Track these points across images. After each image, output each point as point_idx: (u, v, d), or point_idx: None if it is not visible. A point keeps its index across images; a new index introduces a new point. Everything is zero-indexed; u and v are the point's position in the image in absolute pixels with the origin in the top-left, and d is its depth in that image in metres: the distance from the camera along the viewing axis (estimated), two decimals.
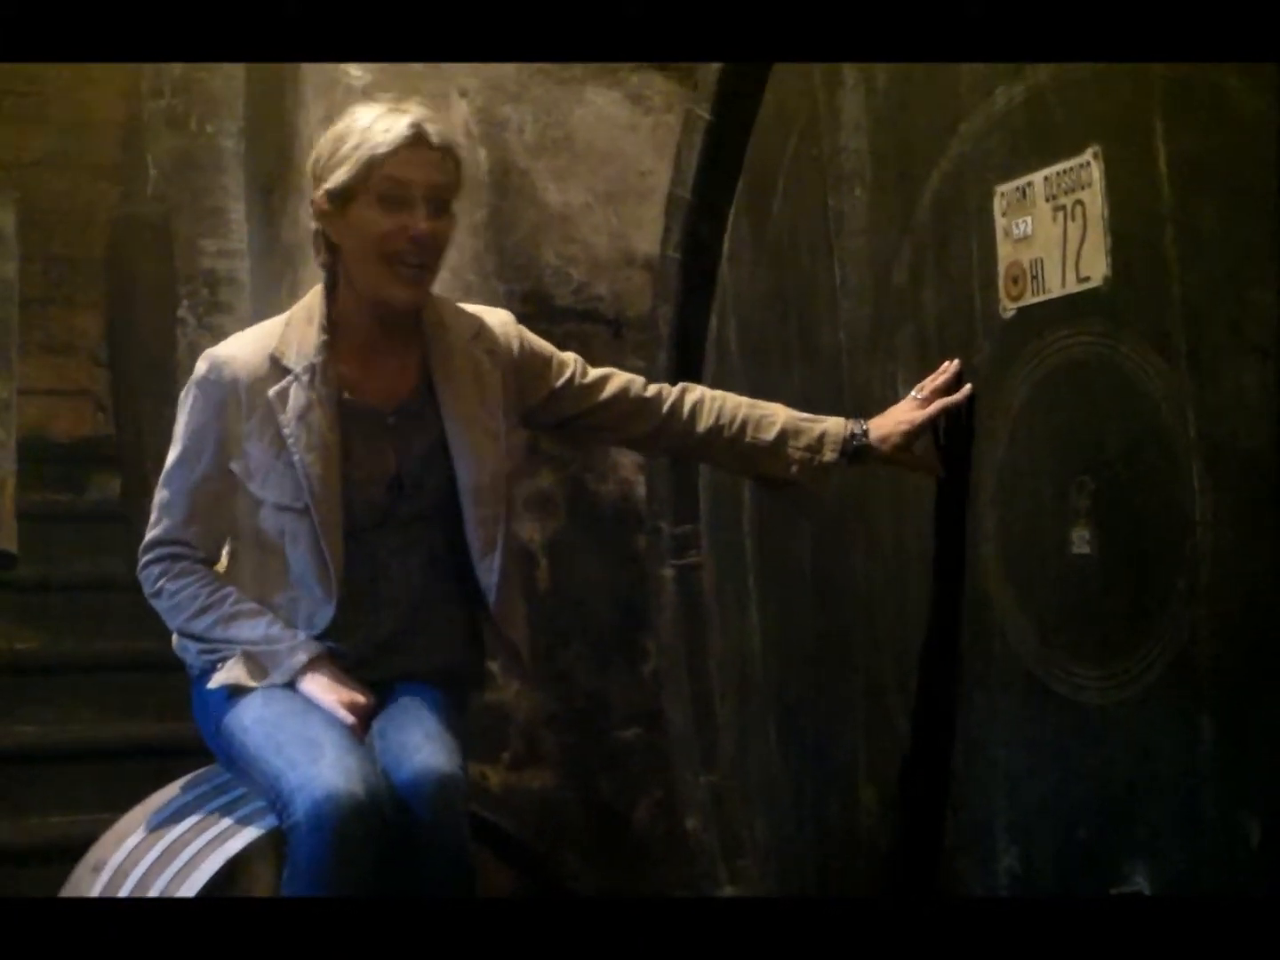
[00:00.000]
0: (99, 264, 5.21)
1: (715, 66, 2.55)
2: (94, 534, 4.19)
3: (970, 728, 2.13)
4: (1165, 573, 1.81)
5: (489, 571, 2.35)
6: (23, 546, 4.17)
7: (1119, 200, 1.87)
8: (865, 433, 2.30)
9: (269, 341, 2.33)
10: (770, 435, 2.36)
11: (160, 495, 2.37)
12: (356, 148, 2.25)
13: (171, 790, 2.51)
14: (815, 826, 2.48)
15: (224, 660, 2.32)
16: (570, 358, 2.43)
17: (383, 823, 2.13)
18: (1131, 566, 1.87)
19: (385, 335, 2.34)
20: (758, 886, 2.60)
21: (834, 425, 2.34)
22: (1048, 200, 1.98)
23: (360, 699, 2.28)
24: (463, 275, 3.43)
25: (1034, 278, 2.00)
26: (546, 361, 2.42)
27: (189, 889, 2.22)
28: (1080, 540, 1.93)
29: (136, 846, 2.40)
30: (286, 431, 2.27)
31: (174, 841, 2.34)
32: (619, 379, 2.42)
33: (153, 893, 2.27)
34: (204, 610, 2.32)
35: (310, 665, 2.30)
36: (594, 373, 2.43)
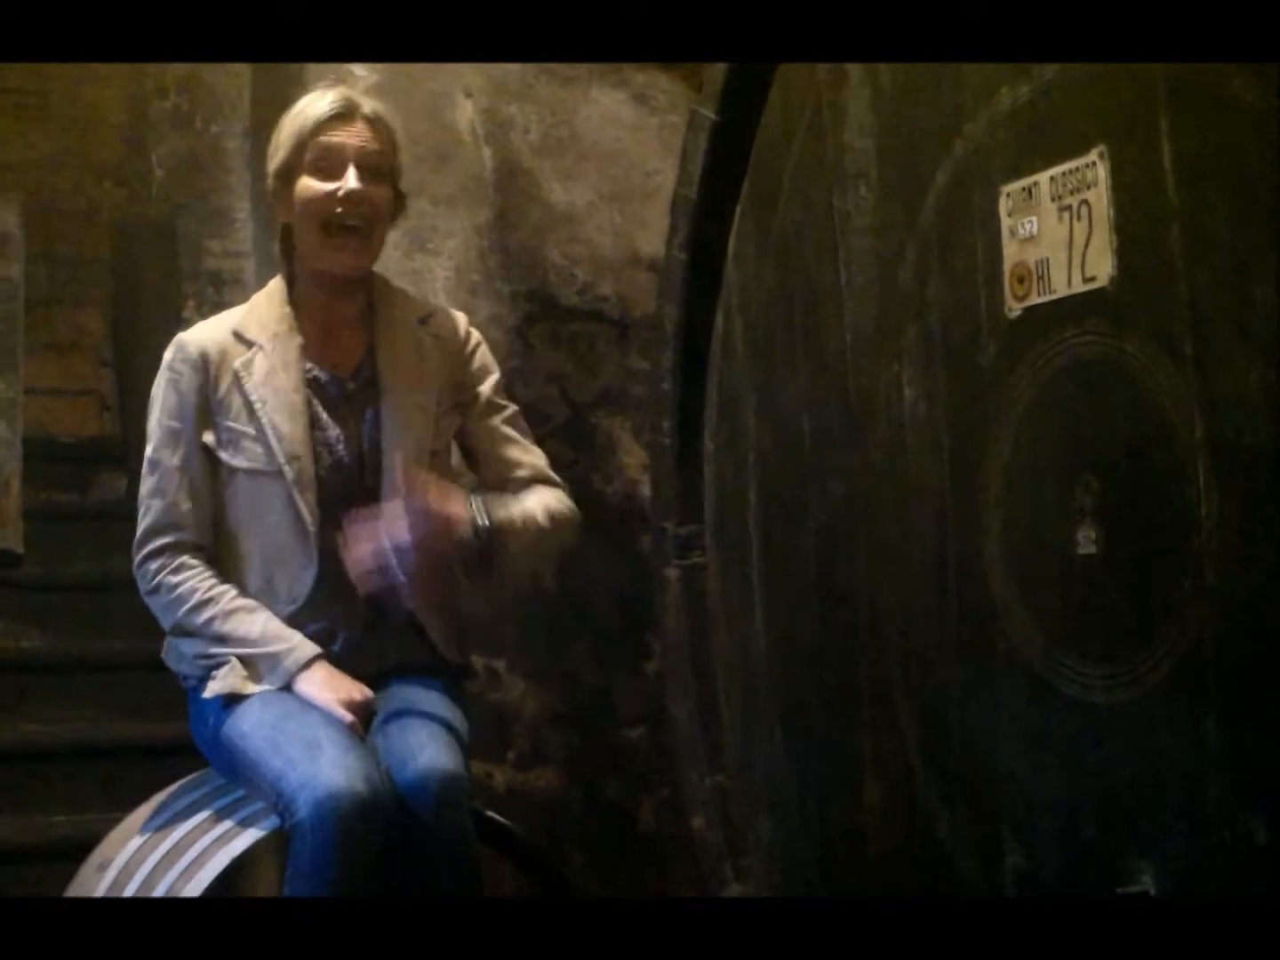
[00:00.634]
0: (104, 264, 5.21)
1: (721, 67, 2.55)
2: (99, 533, 4.19)
3: (975, 727, 2.13)
4: (1171, 572, 1.81)
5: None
6: (28, 545, 4.18)
7: (1125, 200, 1.87)
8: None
9: (232, 320, 2.46)
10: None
11: (146, 485, 2.41)
12: (291, 126, 2.39)
13: (175, 790, 2.52)
14: (820, 826, 2.48)
15: (218, 668, 2.32)
16: (503, 396, 2.54)
17: (386, 820, 2.13)
18: (1137, 566, 1.87)
19: (340, 310, 2.45)
20: (763, 886, 2.59)
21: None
22: (1053, 200, 1.98)
23: (357, 696, 2.29)
24: (467, 275, 3.44)
25: (1040, 278, 2.00)
26: (486, 369, 2.53)
27: (194, 888, 2.22)
28: (1086, 540, 1.93)
29: (141, 846, 2.41)
30: (254, 397, 2.37)
31: (179, 841, 2.34)
32: (514, 452, 2.50)
33: (158, 892, 2.27)
34: (203, 604, 2.34)
35: (305, 667, 2.31)
36: (501, 421, 2.51)
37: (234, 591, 2.36)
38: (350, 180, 2.35)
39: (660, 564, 2.80)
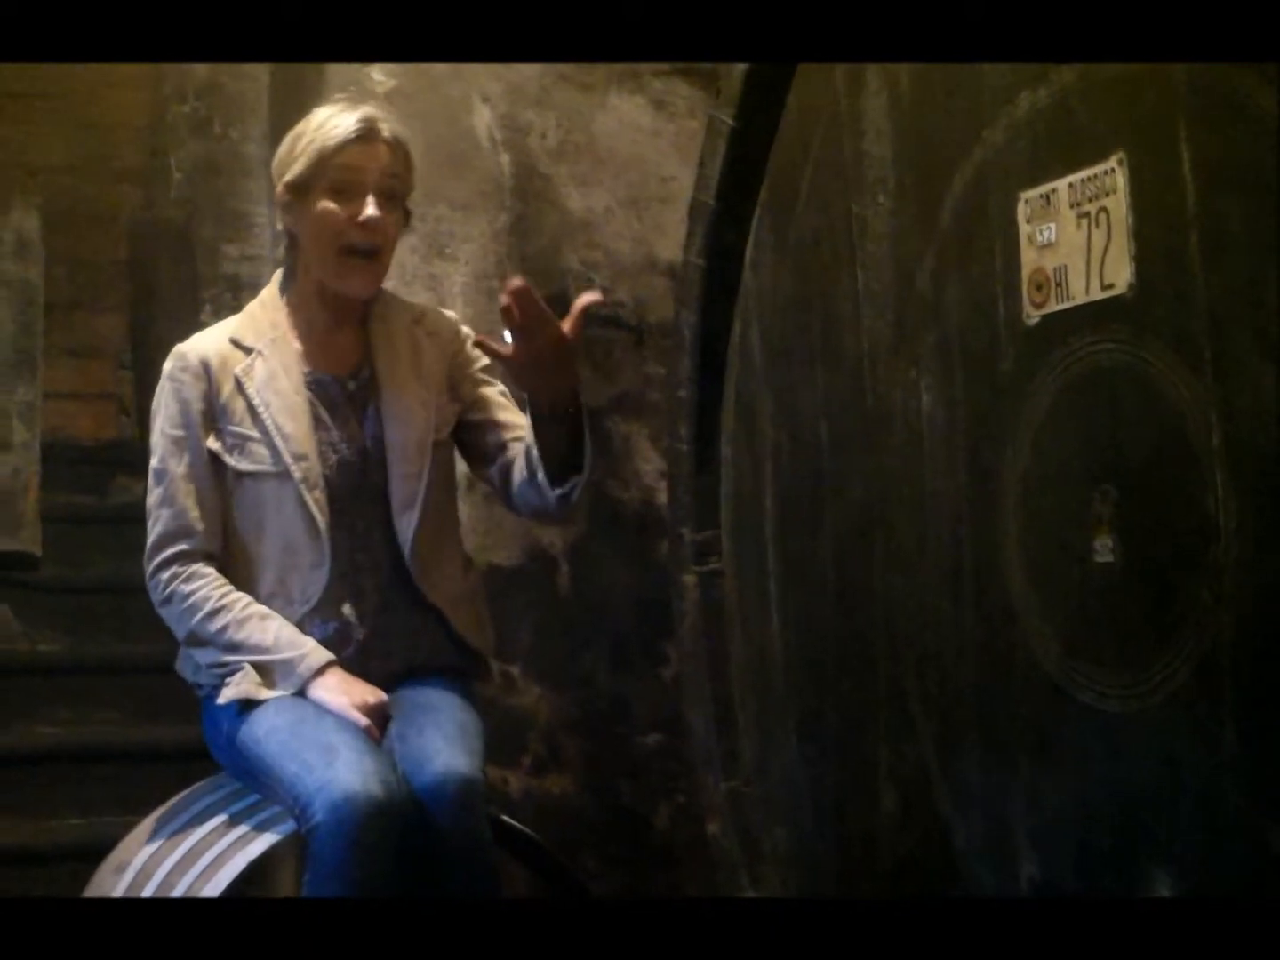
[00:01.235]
0: (123, 268, 5.23)
1: (739, 72, 2.55)
2: (116, 536, 4.19)
3: (991, 734, 2.12)
4: (1189, 581, 1.80)
5: (406, 526, 2.42)
6: (46, 548, 4.19)
7: (1143, 207, 1.87)
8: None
9: (229, 328, 2.49)
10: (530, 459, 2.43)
11: (154, 495, 2.42)
12: (311, 142, 2.40)
13: (191, 793, 2.52)
14: (836, 833, 2.47)
15: (232, 675, 2.33)
16: (493, 376, 2.58)
17: (402, 823, 2.14)
18: (1155, 574, 1.86)
19: (336, 317, 2.48)
20: (779, 892, 2.59)
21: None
22: (1072, 207, 1.97)
23: (371, 699, 2.30)
24: (485, 280, 3.44)
25: (1058, 284, 2.00)
26: (477, 355, 2.56)
27: (212, 891, 2.23)
28: (1103, 548, 1.92)
29: (158, 849, 2.41)
30: (257, 401, 2.40)
31: (196, 844, 2.35)
32: (513, 416, 2.53)
33: (176, 894, 2.28)
34: (216, 612, 2.35)
35: (319, 673, 2.31)
36: (496, 391, 2.56)
37: (246, 599, 2.37)
38: (370, 208, 2.37)
39: (677, 570, 2.79)
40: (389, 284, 2.57)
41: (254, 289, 4.05)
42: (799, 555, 2.55)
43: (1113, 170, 1.90)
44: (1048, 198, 2.01)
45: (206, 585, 2.37)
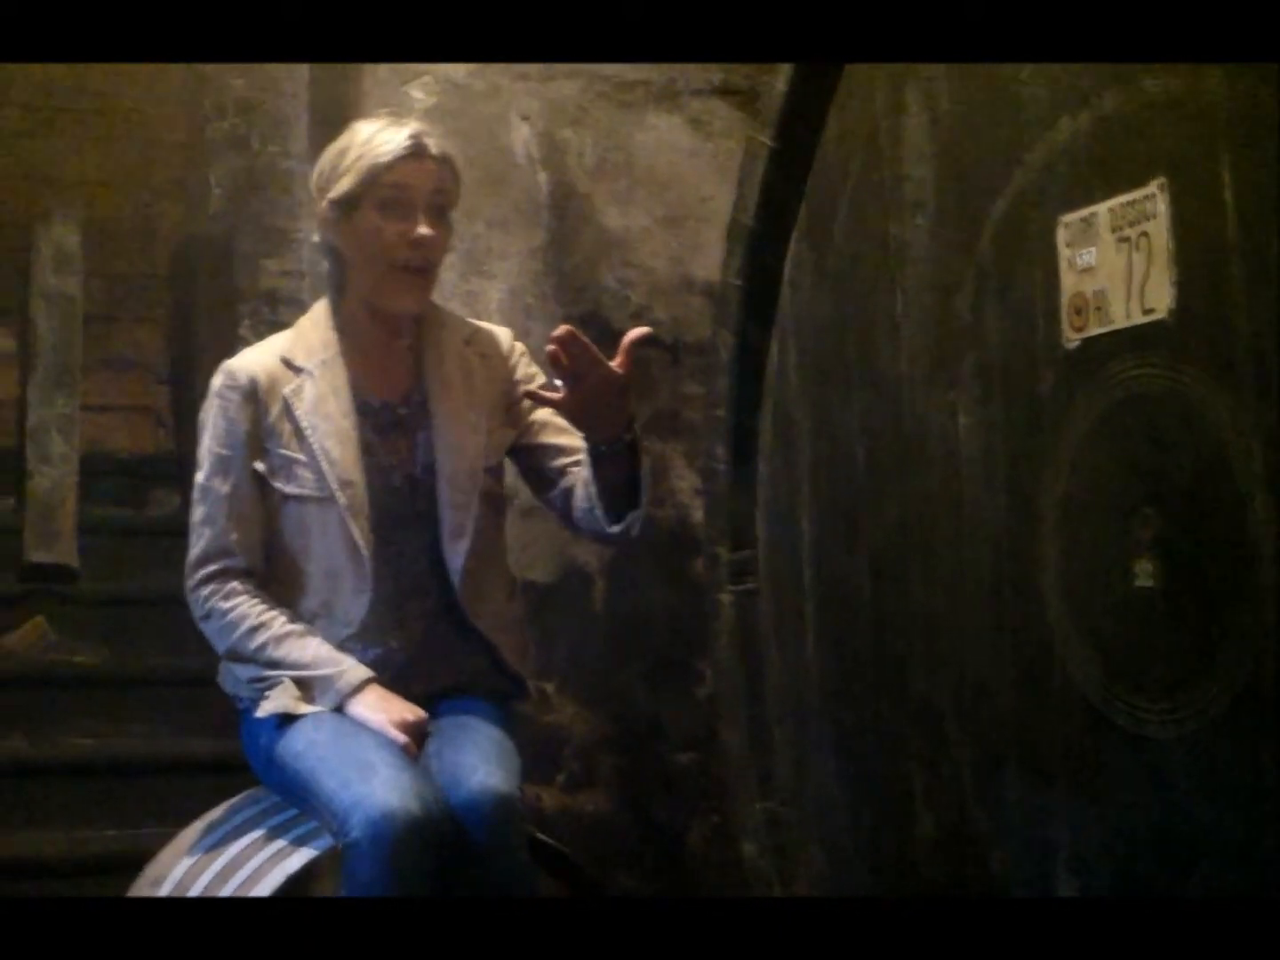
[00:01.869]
0: (162, 281, 5.27)
1: (778, 93, 2.56)
2: (154, 549, 4.21)
3: (1030, 759, 2.12)
4: (1229, 606, 1.80)
5: (455, 555, 2.41)
6: (84, 561, 4.22)
7: (1184, 232, 1.87)
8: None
9: (279, 346, 2.47)
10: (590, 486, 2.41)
11: (197, 512, 2.42)
12: (359, 158, 2.37)
13: (228, 807, 2.53)
14: (872, 855, 2.47)
15: (271, 689, 2.34)
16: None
17: (440, 840, 2.14)
18: (1195, 600, 1.86)
19: (387, 336, 2.46)
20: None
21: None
22: (1112, 231, 1.97)
23: (410, 716, 2.30)
24: (521, 297, 3.45)
25: (1098, 309, 2.00)
26: (532, 375, 2.54)
27: None
28: (1144, 573, 1.92)
29: (195, 862, 2.42)
30: (305, 424, 2.38)
31: (233, 858, 2.35)
32: (572, 440, 2.46)
33: None
34: (255, 629, 2.35)
35: (358, 689, 2.32)
36: (552, 413, 2.46)
37: (285, 616, 2.37)
38: (421, 226, 2.36)
39: (713, 589, 2.80)
40: None
41: (292, 304, 4.08)
42: (836, 575, 2.55)
43: (1154, 195, 1.90)
44: (1088, 222, 2.01)
45: (245, 602, 2.37)
